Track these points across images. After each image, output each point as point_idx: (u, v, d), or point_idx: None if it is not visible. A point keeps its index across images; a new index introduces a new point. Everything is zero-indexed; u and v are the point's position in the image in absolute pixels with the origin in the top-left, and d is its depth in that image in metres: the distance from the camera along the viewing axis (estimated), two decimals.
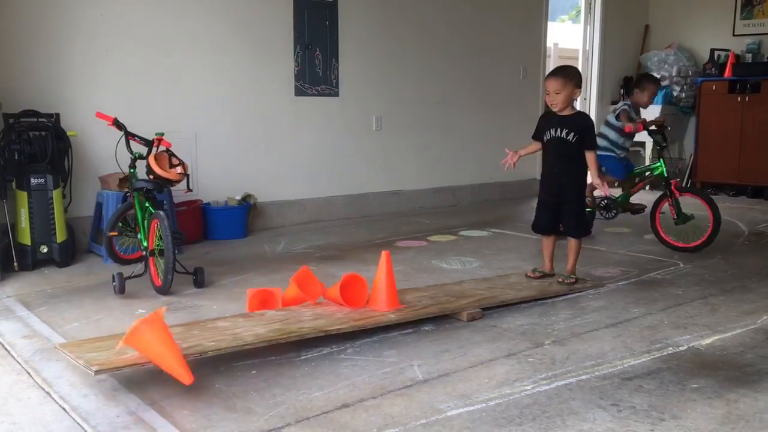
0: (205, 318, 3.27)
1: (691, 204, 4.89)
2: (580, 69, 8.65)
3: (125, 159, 4.09)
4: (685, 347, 2.96)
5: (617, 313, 3.44)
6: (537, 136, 3.93)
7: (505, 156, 3.93)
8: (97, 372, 2.42)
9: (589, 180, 3.97)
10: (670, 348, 2.95)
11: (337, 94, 6.27)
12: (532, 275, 3.95)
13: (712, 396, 2.46)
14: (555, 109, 3.81)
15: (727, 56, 8.17)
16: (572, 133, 3.75)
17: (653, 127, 5.03)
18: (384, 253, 3.32)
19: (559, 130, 3.78)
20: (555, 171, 3.86)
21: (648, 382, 2.58)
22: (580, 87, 3.79)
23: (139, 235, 3.96)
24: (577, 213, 3.85)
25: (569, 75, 3.75)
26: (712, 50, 8.32)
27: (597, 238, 5.24)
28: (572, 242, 3.89)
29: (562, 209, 3.86)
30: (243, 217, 5.49)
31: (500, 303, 3.51)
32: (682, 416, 2.30)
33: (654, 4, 9.10)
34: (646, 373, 2.67)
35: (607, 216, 5.44)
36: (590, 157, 3.80)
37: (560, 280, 3.86)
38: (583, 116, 3.90)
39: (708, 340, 3.05)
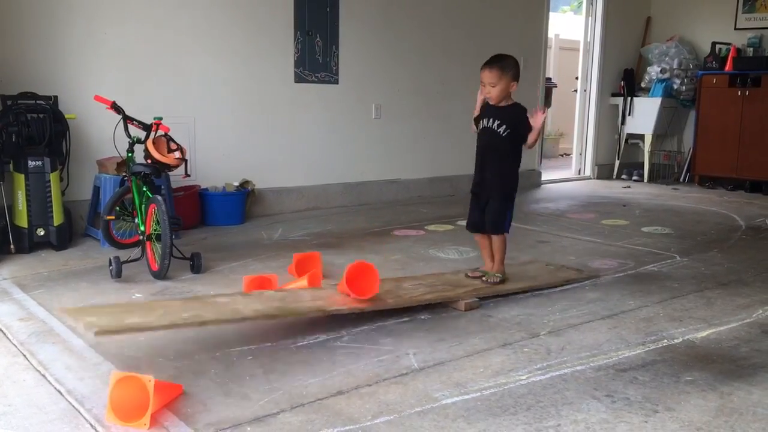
0: None
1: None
2: (580, 60, 8.75)
3: (123, 143, 4.08)
4: (680, 340, 2.97)
5: (613, 304, 3.45)
6: (476, 121, 3.72)
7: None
8: (97, 333, 2.41)
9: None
10: (665, 340, 2.96)
11: (336, 82, 6.25)
12: (471, 275, 3.70)
13: (706, 389, 2.47)
14: (491, 102, 3.61)
15: (728, 50, 8.16)
16: (504, 126, 3.55)
17: None
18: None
19: (491, 120, 3.59)
20: (480, 163, 3.68)
21: (642, 373, 2.59)
22: (516, 80, 3.56)
23: (136, 220, 3.96)
24: (495, 209, 3.62)
25: (505, 67, 3.52)
26: (714, 43, 8.31)
27: (594, 230, 5.23)
28: (494, 240, 3.66)
29: (485, 205, 3.66)
30: (241, 203, 5.48)
31: (496, 293, 3.51)
32: (676, 408, 2.31)
33: None
34: (640, 364, 2.68)
35: None
36: (530, 139, 3.56)
37: (483, 278, 3.63)
38: (517, 108, 3.60)
39: (703, 333, 3.05)
